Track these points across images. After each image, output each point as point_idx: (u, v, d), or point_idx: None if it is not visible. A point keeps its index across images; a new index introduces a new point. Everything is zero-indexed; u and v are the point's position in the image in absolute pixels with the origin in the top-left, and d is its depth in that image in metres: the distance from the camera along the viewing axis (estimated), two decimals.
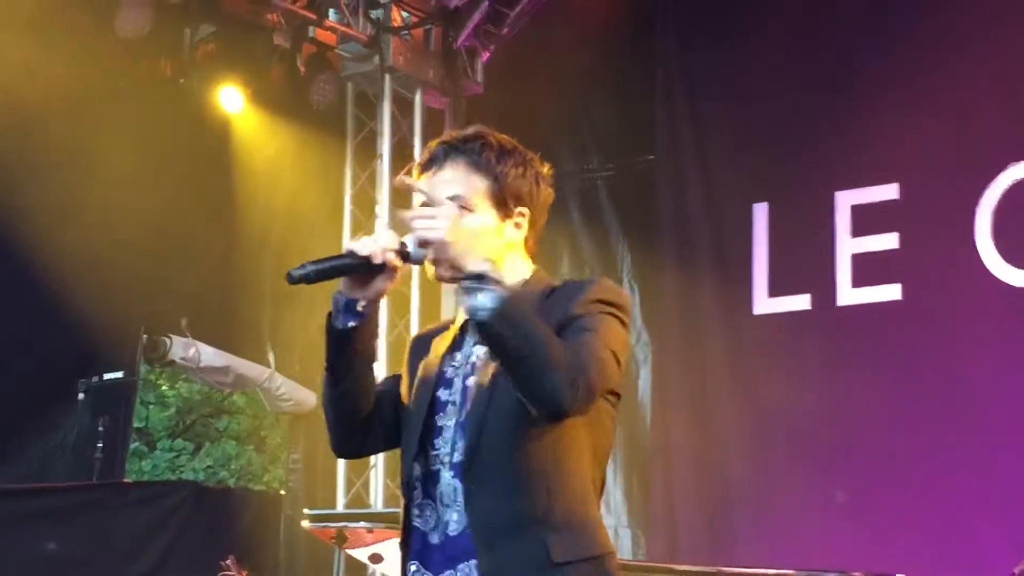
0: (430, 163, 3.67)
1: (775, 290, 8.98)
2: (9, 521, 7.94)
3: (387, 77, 9.74)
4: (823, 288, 8.74)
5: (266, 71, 9.07)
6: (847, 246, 8.69)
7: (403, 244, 3.49)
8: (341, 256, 3.53)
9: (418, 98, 9.92)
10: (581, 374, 3.37)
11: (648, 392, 9.52)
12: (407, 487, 3.59)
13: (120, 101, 8.65)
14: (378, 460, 9.53)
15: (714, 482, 8.83)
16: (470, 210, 3.59)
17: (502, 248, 3.61)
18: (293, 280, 3.50)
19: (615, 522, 9.48)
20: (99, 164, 8.38)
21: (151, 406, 16.68)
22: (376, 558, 5.67)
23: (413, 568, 3.56)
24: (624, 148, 9.89)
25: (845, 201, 8.73)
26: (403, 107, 9.89)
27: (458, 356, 3.65)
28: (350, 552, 5.81)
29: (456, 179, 3.62)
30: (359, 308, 3.61)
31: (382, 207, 9.75)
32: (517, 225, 3.67)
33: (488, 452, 3.48)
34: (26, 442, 8.39)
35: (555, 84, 9.91)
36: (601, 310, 3.53)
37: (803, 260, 8.90)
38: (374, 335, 3.70)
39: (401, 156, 9.79)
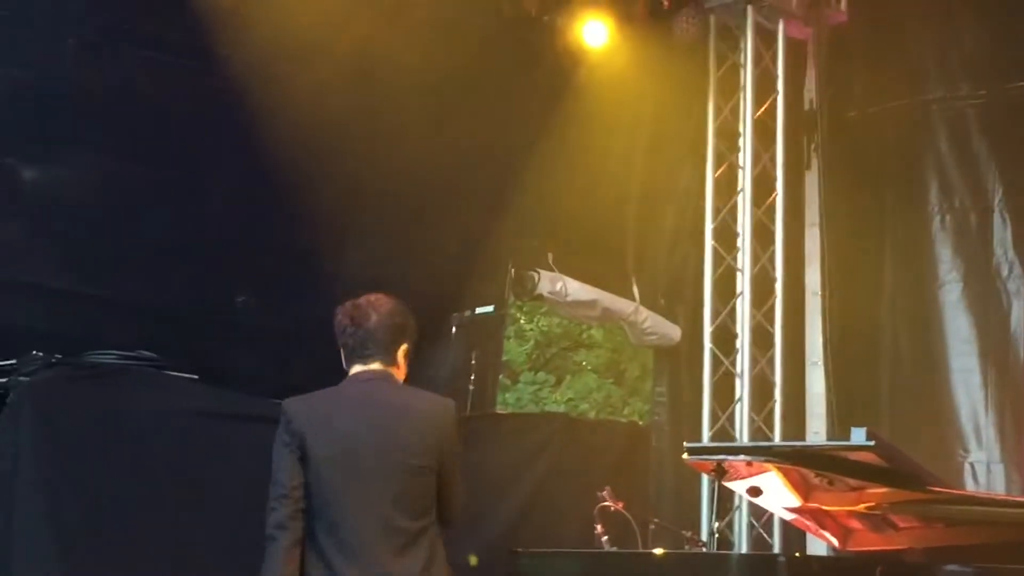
0: None
1: None
2: None
3: (749, 8, 9.63)
4: None
5: (631, 5, 9.11)
6: None
7: None
8: None
9: (780, 29, 9.79)
10: None
11: (1020, 325, 9.26)
12: None
13: (480, 42, 8.74)
14: (743, 394, 9.52)
15: None
16: None
17: None
18: None
19: (987, 458, 9.29)
20: (461, 103, 8.53)
21: (509, 340, 16.99)
22: (754, 491, 5.67)
23: None
24: (995, 73, 9.56)
25: None
26: (766, 39, 9.77)
27: None
28: (727, 484, 5.82)
29: None
30: None
31: (745, 140, 9.70)
32: None
33: None
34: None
35: (921, 8, 9.69)
36: None
37: None
38: None
39: (764, 88, 9.71)
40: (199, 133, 7.73)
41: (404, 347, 5.46)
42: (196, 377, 7.74)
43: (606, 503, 6.27)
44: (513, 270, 9.10)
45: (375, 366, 5.45)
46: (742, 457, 5.47)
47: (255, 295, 8.35)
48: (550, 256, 9.23)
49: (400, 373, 5.48)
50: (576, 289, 9.38)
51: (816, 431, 9.89)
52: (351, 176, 8.18)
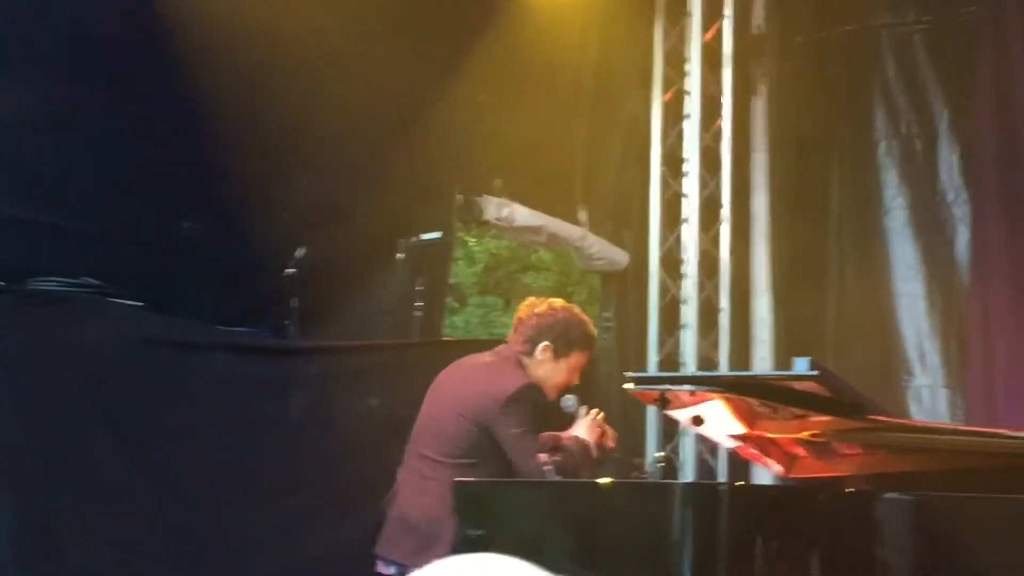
0: None
1: None
2: (335, 378, 8.17)
3: None
4: None
5: None
6: None
7: None
8: None
9: None
10: None
11: (966, 252, 9.31)
12: None
13: None
14: (689, 320, 9.56)
15: None
16: None
17: None
18: None
19: (932, 382, 9.37)
20: (407, 29, 8.46)
21: (459, 262, 16.90)
22: (697, 420, 5.69)
23: None
24: None
25: None
26: None
27: None
28: (671, 414, 5.85)
29: None
30: None
31: (692, 65, 9.68)
32: None
33: None
34: (349, 303, 8.60)
35: None
36: None
37: None
38: None
39: (712, 12, 9.69)
40: (146, 60, 7.63)
41: (544, 344, 6.44)
42: (141, 304, 7.70)
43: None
44: (460, 196, 9.07)
45: (503, 347, 6.62)
46: (686, 387, 5.49)
47: (201, 221, 8.28)
48: (497, 182, 9.20)
49: (531, 362, 6.46)
50: (523, 215, 9.36)
51: (762, 356, 9.95)
52: (299, 102, 8.09)
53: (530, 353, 6.46)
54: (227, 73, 7.72)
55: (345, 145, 8.35)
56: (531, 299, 6.70)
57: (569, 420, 6.40)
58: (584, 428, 6.33)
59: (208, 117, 7.83)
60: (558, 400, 6.48)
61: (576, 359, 6.54)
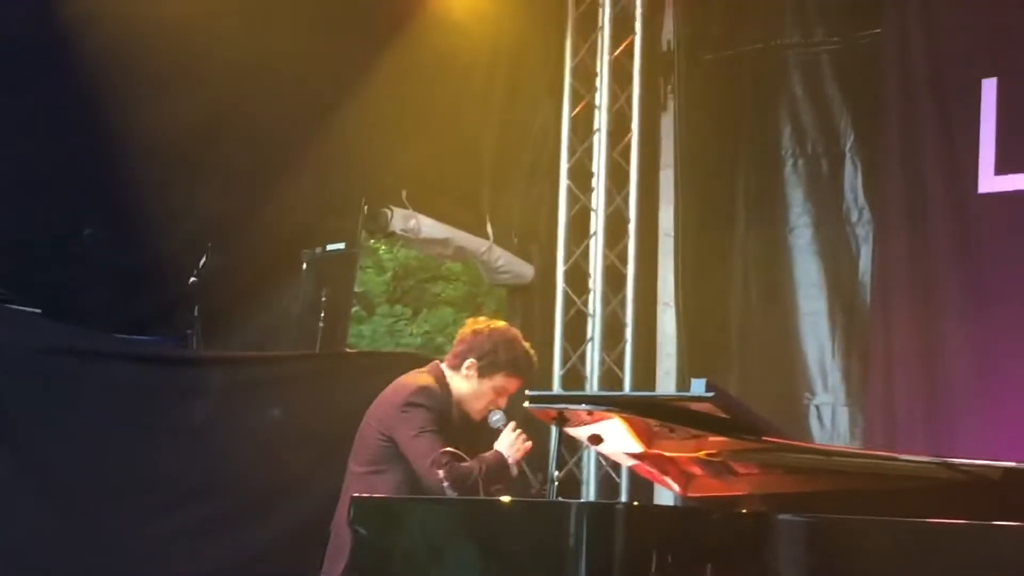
0: None
1: (1002, 168, 8.73)
2: (236, 388, 8.12)
3: None
4: None
5: None
6: None
7: None
8: None
9: None
10: None
11: (868, 270, 9.39)
12: None
13: None
14: (595, 333, 9.58)
15: (936, 368, 8.68)
16: None
17: None
18: None
19: (833, 400, 9.43)
20: (314, 38, 8.43)
21: (369, 270, 16.87)
22: (595, 439, 5.69)
23: None
24: (849, 20, 9.65)
25: None
26: None
27: None
28: (570, 431, 5.84)
29: None
30: None
31: (602, 80, 9.71)
32: None
33: None
34: (252, 313, 8.56)
35: None
36: None
37: None
38: None
39: (622, 28, 9.72)
40: (51, 63, 7.56)
41: (471, 360, 6.55)
42: (39, 311, 7.62)
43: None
44: (366, 207, 9.04)
45: (436, 360, 6.78)
46: (584, 406, 5.49)
47: (103, 228, 8.21)
48: (404, 193, 9.18)
49: (456, 376, 6.60)
50: (429, 226, 9.35)
51: (667, 371, 10.00)
52: (205, 111, 8.05)
53: (458, 368, 6.58)
54: (132, 80, 7.67)
55: (250, 154, 8.31)
56: (480, 318, 6.87)
57: (497, 436, 6.47)
58: (505, 444, 6.40)
59: (113, 124, 7.77)
60: (486, 418, 6.56)
61: (501, 381, 6.57)
